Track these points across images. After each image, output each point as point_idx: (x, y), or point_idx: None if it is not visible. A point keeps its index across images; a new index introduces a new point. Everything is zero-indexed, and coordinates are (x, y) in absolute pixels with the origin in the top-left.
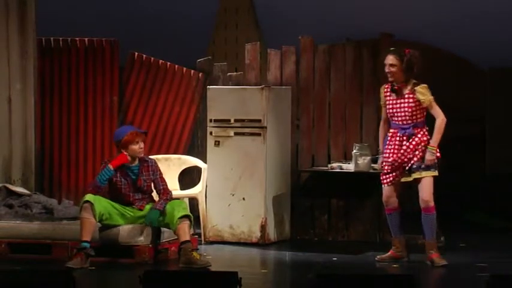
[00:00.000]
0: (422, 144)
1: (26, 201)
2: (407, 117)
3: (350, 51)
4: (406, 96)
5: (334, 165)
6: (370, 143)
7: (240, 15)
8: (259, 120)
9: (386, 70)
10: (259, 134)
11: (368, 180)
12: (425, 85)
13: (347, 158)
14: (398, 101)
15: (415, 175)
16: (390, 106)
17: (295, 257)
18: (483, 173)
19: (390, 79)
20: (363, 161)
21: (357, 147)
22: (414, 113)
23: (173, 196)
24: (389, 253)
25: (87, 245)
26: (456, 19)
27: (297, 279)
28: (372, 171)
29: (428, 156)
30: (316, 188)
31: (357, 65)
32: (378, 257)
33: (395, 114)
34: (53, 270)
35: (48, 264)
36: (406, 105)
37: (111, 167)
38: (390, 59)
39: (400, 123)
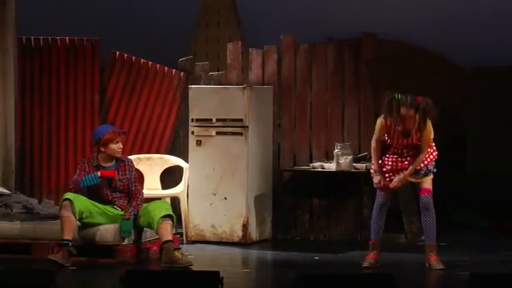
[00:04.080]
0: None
1: (6, 200)
2: (410, 150)
3: (332, 51)
4: (414, 135)
5: (316, 164)
6: (352, 143)
7: (221, 14)
8: (241, 120)
9: (407, 121)
10: (241, 134)
11: (350, 180)
12: (430, 121)
13: (329, 157)
14: (405, 139)
15: (421, 178)
16: (394, 141)
17: (277, 256)
18: (465, 172)
19: (405, 127)
20: (345, 161)
21: (338, 147)
22: (418, 146)
23: (155, 195)
24: (374, 257)
25: (68, 243)
26: (440, 18)
27: (278, 279)
28: (353, 170)
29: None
30: (298, 188)
31: (339, 64)
32: (366, 264)
33: (400, 148)
34: (33, 270)
35: (28, 264)
36: (414, 141)
37: (98, 174)
38: (411, 112)
39: (404, 153)
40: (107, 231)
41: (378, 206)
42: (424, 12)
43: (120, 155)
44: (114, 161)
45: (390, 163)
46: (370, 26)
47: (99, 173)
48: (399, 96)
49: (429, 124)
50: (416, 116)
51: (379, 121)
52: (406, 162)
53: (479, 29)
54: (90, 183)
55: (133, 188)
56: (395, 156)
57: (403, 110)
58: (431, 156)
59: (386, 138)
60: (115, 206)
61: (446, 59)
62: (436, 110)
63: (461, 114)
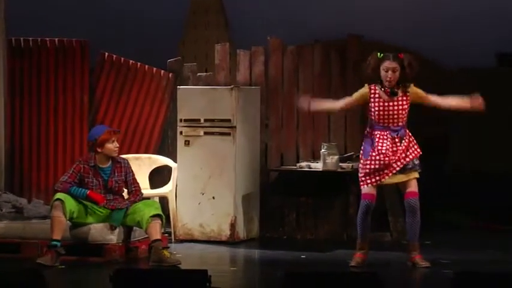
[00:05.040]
0: (411, 145)
1: None
2: (400, 119)
3: (318, 52)
4: (400, 98)
5: (303, 164)
6: (338, 143)
7: (210, 16)
8: (229, 120)
9: (389, 76)
10: (228, 134)
11: (336, 179)
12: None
13: (315, 157)
14: (391, 104)
15: (412, 175)
16: (381, 108)
17: (264, 255)
18: (449, 172)
19: (389, 84)
20: (331, 160)
21: (325, 147)
22: (406, 114)
23: (144, 195)
24: (362, 257)
25: (57, 243)
26: (428, 20)
27: (265, 277)
28: (340, 170)
29: None
30: (285, 187)
31: (325, 65)
32: (354, 263)
33: (386, 116)
34: (22, 269)
35: (17, 264)
36: (400, 107)
37: (87, 192)
38: (394, 64)
39: (391, 125)
40: (96, 230)
41: (362, 213)
42: (411, 14)
43: (116, 155)
44: (110, 162)
45: (380, 153)
46: (360, 28)
47: (88, 192)
48: (381, 54)
49: (412, 85)
50: (405, 71)
51: (363, 89)
52: (399, 146)
53: (464, 30)
54: (75, 196)
55: (133, 189)
56: (387, 142)
57: (386, 63)
58: (415, 152)
59: (371, 109)
60: (106, 206)
61: (434, 60)
62: (418, 63)
63: (445, 116)
